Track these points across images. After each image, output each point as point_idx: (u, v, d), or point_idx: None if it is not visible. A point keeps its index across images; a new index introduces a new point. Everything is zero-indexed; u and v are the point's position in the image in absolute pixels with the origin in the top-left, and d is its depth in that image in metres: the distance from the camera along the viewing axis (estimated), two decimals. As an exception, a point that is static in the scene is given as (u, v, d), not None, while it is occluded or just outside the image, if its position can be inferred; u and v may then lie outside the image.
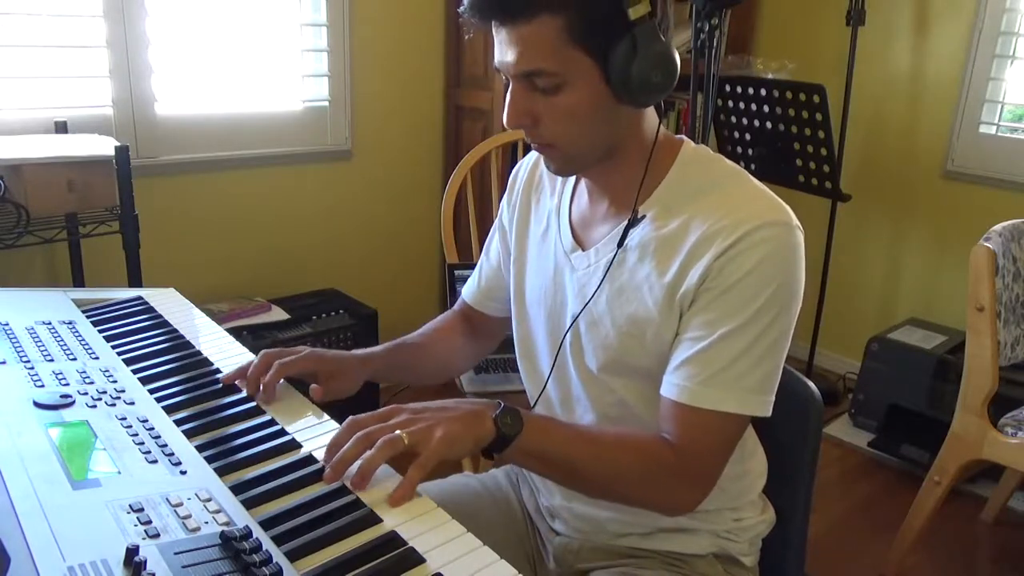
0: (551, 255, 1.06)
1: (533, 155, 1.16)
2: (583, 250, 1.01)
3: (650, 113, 0.96)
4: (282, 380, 1.03)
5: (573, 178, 1.07)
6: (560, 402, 1.07)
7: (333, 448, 0.84)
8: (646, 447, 0.91)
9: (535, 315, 1.09)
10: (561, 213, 1.06)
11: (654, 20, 0.86)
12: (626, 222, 0.96)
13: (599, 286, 0.97)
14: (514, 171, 1.18)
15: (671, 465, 0.90)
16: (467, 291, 1.26)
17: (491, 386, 1.79)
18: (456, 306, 1.28)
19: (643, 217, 0.95)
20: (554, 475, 0.95)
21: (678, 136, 0.99)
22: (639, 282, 0.94)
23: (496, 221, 1.21)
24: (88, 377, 0.98)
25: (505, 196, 1.18)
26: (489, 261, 1.22)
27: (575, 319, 1.00)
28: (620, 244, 0.95)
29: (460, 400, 0.90)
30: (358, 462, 0.81)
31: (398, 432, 0.82)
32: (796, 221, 0.90)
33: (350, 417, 0.86)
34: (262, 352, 1.03)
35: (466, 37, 2.55)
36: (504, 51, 0.87)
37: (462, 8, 0.88)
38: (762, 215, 0.88)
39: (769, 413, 0.92)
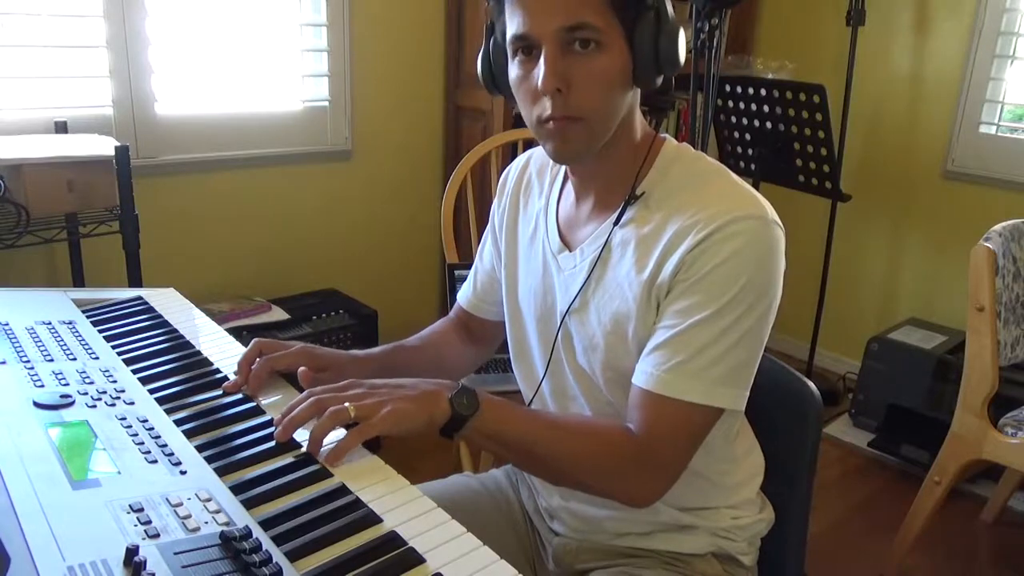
0: (540, 257, 1.06)
1: (522, 158, 1.17)
2: (570, 251, 1.01)
3: (639, 111, 0.98)
4: (281, 380, 1.03)
5: (560, 180, 1.08)
6: (555, 401, 1.07)
7: (287, 412, 0.87)
8: (606, 435, 0.92)
9: (527, 317, 1.09)
10: (548, 215, 1.07)
11: None
12: (612, 222, 0.96)
13: (583, 285, 0.98)
14: (503, 174, 1.19)
15: (630, 454, 0.89)
16: (462, 296, 1.26)
17: (490, 385, 1.79)
18: (452, 312, 1.28)
19: (642, 194, 0.95)
20: (512, 457, 0.95)
21: (661, 135, 1.00)
22: (620, 279, 0.95)
23: (488, 225, 1.21)
24: (88, 377, 0.98)
25: (495, 200, 1.19)
26: (483, 265, 1.22)
27: (563, 319, 1.01)
28: (617, 222, 0.95)
29: (422, 380, 0.91)
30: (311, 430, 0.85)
31: (346, 404, 0.84)
32: (774, 216, 0.91)
33: (309, 390, 0.90)
34: (254, 340, 1.03)
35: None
36: (542, 10, 0.86)
37: None
38: (738, 209, 0.88)
39: (741, 408, 0.91)
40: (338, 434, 0.87)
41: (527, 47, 0.89)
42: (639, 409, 0.90)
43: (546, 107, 0.89)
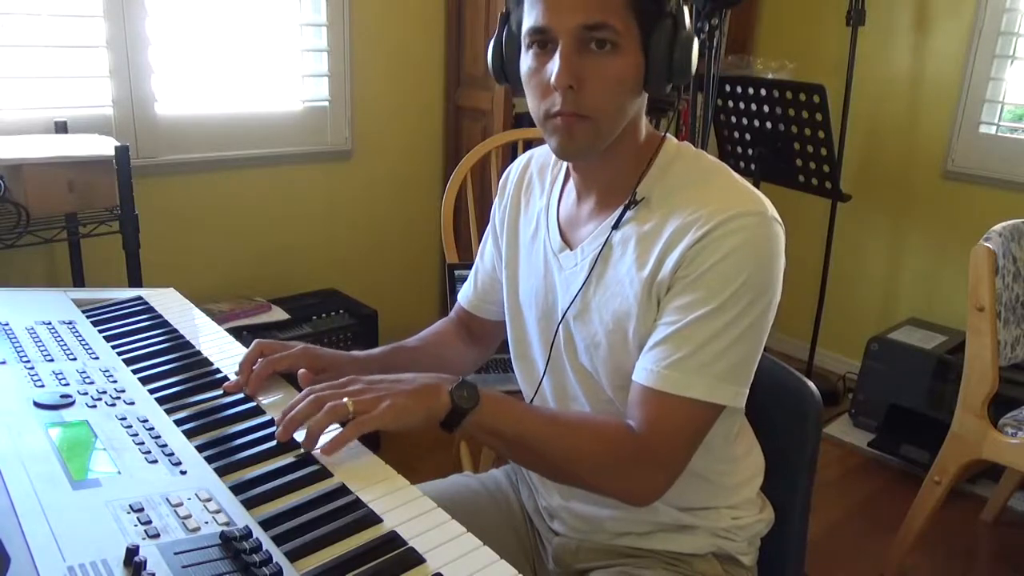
0: (541, 256, 1.06)
1: (523, 158, 1.17)
2: (571, 249, 1.02)
3: (644, 115, 0.98)
4: (282, 380, 1.03)
5: (561, 179, 1.08)
6: (556, 400, 1.07)
7: (287, 411, 0.87)
8: (606, 431, 0.91)
9: (528, 316, 1.09)
10: (549, 214, 1.07)
11: (685, 6, 0.89)
12: (612, 221, 0.96)
13: (584, 283, 0.98)
14: (504, 174, 1.19)
15: (630, 451, 0.89)
16: (463, 296, 1.26)
17: (491, 385, 1.79)
18: (453, 312, 1.28)
19: (642, 199, 0.95)
20: (511, 453, 0.95)
21: (663, 134, 1.00)
22: (621, 277, 0.95)
23: (489, 225, 1.21)
24: (88, 377, 0.98)
25: (496, 199, 1.19)
26: (484, 265, 1.22)
27: (564, 317, 1.01)
28: (616, 227, 0.96)
29: (421, 374, 0.91)
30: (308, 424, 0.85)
31: (344, 400, 0.85)
32: (774, 213, 0.91)
33: (308, 388, 0.89)
34: (255, 341, 1.03)
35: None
36: (563, 6, 0.86)
37: None
38: (738, 205, 0.89)
39: (741, 405, 0.91)
40: (336, 430, 0.87)
41: (543, 41, 0.89)
42: (639, 406, 0.90)
43: (556, 102, 0.89)
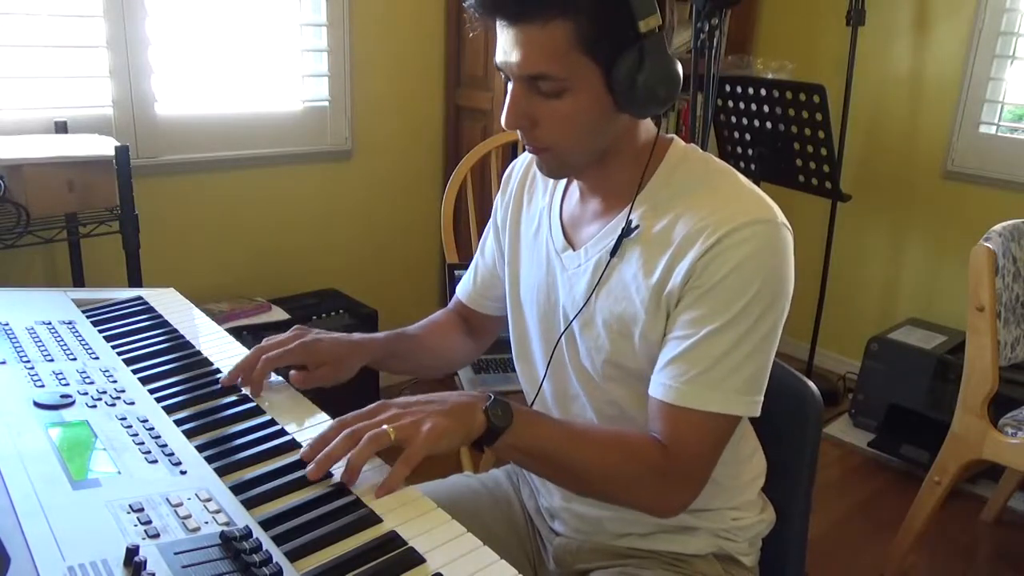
0: (543, 255, 1.06)
1: (528, 154, 1.16)
2: (573, 250, 1.01)
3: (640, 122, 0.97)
4: (282, 379, 1.03)
5: (564, 178, 1.07)
6: (557, 401, 1.07)
7: (319, 445, 0.83)
8: (635, 447, 0.91)
9: (529, 315, 1.09)
10: (552, 212, 1.06)
11: (662, 33, 0.86)
12: (616, 224, 0.96)
13: (589, 287, 0.98)
14: (508, 170, 1.18)
15: (658, 465, 0.89)
16: (461, 289, 1.26)
17: (491, 386, 1.79)
18: (451, 304, 1.28)
19: (636, 227, 0.94)
20: (542, 470, 0.95)
21: (668, 135, 0.99)
22: (627, 282, 0.94)
23: (490, 220, 1.21)
24: (88, 377, 0.98)
25: (499, 195, 1.18)
26: (484, 260, 1.22)
27: (569, 321, 1.00)
28: (613, 253, 0.95)
29: (450, 393, 0.90)
30: (346, 459, 0.80)
31: (385, 427, 0.82)
32: (783, 219, 0.90)
33: (338, 419, 0.86)
34: (255, 347, 1.03)
35: (470, 35, 2.53)
36: (509, 51, 0.86)
37: (468, 2, 0.88)
38: (746, 213, 0.88)
39: (758, 413, 0.91)
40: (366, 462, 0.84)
41: (506, 75, 0.90)
42: (661, 421, 0.90)
43: (519, 134, 0.92)
